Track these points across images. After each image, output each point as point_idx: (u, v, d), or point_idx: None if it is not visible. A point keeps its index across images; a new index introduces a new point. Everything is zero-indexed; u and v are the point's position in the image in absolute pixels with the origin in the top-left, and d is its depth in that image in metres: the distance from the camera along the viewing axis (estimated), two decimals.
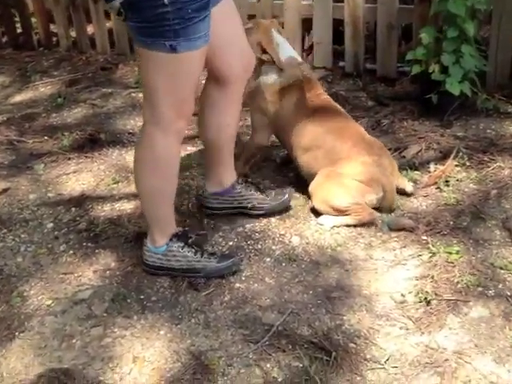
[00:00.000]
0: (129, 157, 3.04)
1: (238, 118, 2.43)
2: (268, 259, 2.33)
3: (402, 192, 2.58)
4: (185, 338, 2.02)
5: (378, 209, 2.49)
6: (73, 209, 2.70)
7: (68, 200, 2.77)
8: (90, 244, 2.49)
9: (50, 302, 2.22)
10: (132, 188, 2.78)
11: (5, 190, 2.87)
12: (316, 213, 2.50)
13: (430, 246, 2.29)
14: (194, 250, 2.26)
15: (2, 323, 2.14)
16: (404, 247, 2.32)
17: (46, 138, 3.30)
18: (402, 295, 2.10)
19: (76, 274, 2.34)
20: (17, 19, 4.55)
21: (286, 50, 2.62)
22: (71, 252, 2.45)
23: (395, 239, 2.37)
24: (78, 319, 2.14)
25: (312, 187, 2.48)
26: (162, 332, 2.06)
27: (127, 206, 2.68)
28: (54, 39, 4.54)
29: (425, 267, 2.21)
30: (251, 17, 3.53)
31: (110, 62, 4.15)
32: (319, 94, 2.64)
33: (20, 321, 2.15)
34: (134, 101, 3.59)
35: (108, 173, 2.93)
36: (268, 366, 1.90)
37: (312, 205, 2.51)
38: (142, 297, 2.21)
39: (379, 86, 3.53)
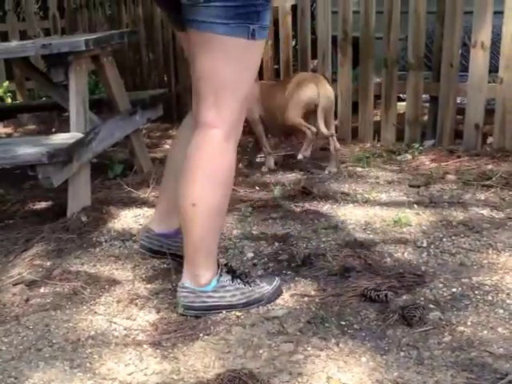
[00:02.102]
0: (340, 211, 2.84)
1: None
2: (501, 311, 1.91)
3: None
4: (391, 370, 1.66)
5: None
6: (276, 243, 2.52)
7: (271, 236, 2.60)
8: (289, 272, 2.27)
9: (239, 314, 2.00)
10: (341, 234, 2.56)
11: None
12: None
13: None
14: (242, 281, 2.02)
15: (187, 323, 1.95)
16: None
17: (257, 188, 3.24)
18: None
19: None
20: None
21: None
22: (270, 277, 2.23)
23: None
24: (267, 333, 1.88)
25: None
26: (363, 359, 1.71)
27: (334, 247, 2.43)
28: None
29: None
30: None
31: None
32: None
33: (206, 325, 1.94)
34: (351, 172, 3.43)
35: (317, 221, 2.73)
36: None
37: None
38: (342, 323, 1.90)
39: None
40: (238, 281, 2.02)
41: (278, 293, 2.07)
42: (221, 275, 1.99)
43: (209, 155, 1.87)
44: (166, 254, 2.24)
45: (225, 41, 1.76)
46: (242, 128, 1.94)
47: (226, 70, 1.80)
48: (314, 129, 3.36)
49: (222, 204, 1.93)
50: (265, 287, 2.05)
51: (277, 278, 2.11)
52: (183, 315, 1.99)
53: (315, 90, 3.38)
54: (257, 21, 1.75)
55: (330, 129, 3.41)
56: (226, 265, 2.08)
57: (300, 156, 3.39)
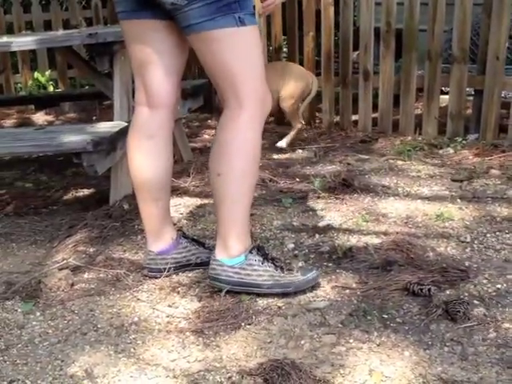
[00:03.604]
0: (381, 204, 2.82)
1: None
2: None
3: None
4: (434, 365, 1.65)
5: None
6: (316, 235, 2.52)
7: (312, 228, 2.60)
8: (330, 264, 2.27)
9: (281, 304, 2.01)
10: (383, 227, 2.54)
11: (250, 215, 2.74)
12: None
13: None
14: (274, 266, 2.03)
15: (229, 312, 1.96)
16: None
17: (297, 179, 3.24)
18: None
19: (312, 287, 2.09)
20: None
21: None
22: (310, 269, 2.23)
23: None
24: (309, 324, 1.88)
25: None
26: (406, 353, 1.71)
27: (376, 241, 2.42)
28: (318, 121, 4.63)
29: None
30: None
31: (370, 137, 4.06)
32: None
33: (248, 314, 1.95)
34: (392, 166, 3.40)
35: (357, 214, 2.72)
36: None
37: None
38: (385, 316, 1.89)
39: None
40: (269, 264, 2.04)
41: (310, 284, 2.07)
42: (251, 253, 2.03)
43: (234, 132, 1.95)
44: (169, 270, 2.20)
45: (218, 34, 1.85)
46: (268, 106, 2.00)
47: (230, 59, 1.89)
48: (304, 123, 4.05)
49: (247, 175, 1.98)
50: (297, 276, 2.05)
51: (314, 271, 2.10)
52: (223, 292, 2.03)
53: (310, 82, 4.00)
54: (241, 9, 1.84)
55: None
56: (259, 247, 2.09)
57: (283, 144, 3.91)
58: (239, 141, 1.94)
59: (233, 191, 1.98)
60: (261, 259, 2.04)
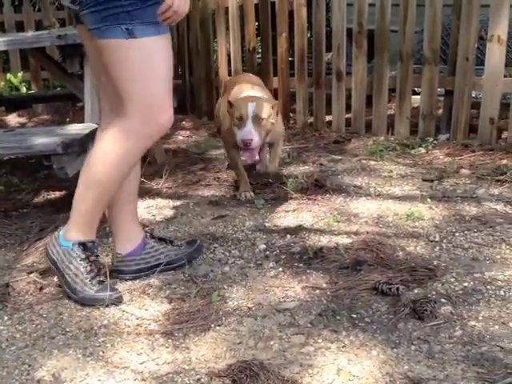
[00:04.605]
0: (353, 204, 2.84)
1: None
2: None
3: None
4: (401, 363, 1.67)
5: None
6: (288, 236, 2.53)
7: (284, 229, 2.61)
8: (301, 265, 2.28)
9: (251, 305, 2.01)
10: (354, 227, 2.56)
11: (222, 216, 2.80)
12: None
13: None
14: (88, 270, 2.03)
15: (199, 313, 1.97)
16: None
17: (270, 180, 3.24)
18: None
19: (282, 287, 2.11)
20: None
21: None
22: (280, 269, 2.25)
23: None
24: (278, 325, 1.89)
25: None
26: (373, 352, 1.72)
27: (346, 241, 2.43)
28: (292, 121, 4.64)
29: None
30: None
31: (344, 137, 4.08)
32: None
33: (218, 315, 1.96)
34: (364, 166, 3.42)
35: (329, 214, 2.73)
36: None
37: None
38: (353, 316, 1.91)
39: None
40: (87, 265, 2.03)
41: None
42: (78, 246, 2.03)
43: (100, 141, 1.99)
44: (143, 271, 2.21)
45: (105, 44, 1.79)
46: (164, 125, 1.93)
47: (118, 73, 1.82)
48: None
49: (105, 182, 1.97)
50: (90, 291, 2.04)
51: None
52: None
53: None
54: (130, 20, 1.73)
55: None
56: (89, 245, 2.09)
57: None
58: (99, 151, 1.96)
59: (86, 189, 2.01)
60: (83, 257, 2.01)
